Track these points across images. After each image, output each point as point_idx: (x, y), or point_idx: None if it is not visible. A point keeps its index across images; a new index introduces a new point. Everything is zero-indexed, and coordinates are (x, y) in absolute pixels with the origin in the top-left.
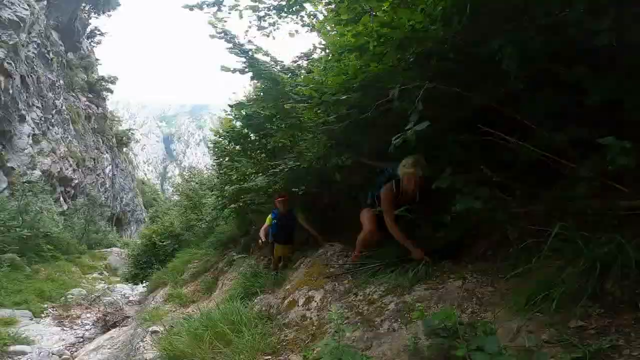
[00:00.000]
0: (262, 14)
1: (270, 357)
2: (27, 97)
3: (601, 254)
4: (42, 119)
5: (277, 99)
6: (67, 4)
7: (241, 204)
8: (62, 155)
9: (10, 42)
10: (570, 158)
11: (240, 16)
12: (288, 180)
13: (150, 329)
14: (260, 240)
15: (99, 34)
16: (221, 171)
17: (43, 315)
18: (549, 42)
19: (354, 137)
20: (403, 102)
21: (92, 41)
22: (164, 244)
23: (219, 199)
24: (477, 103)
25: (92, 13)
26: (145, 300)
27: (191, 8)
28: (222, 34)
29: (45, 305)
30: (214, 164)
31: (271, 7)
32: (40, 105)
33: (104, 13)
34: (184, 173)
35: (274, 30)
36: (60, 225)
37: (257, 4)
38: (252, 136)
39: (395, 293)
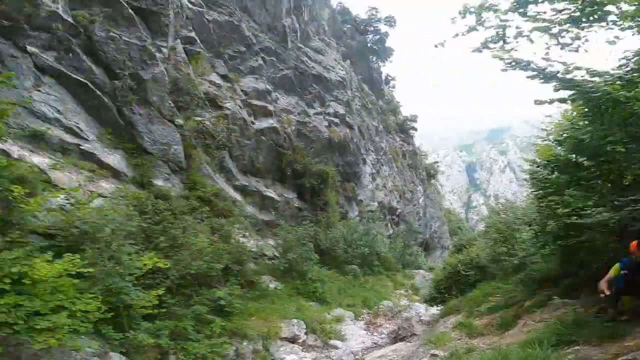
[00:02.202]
0: (556, 30)
1: None
2: (364, 143)
3: None
4: (375, 159)
5: (620, 120)
6: (360, 60)
7: (569, 242)
8: (390, 189)
9: (344, 99)
10: None
11: (531, 41)
12: None
13: (431, 351)
14: (601, 294)
15: (391, 79)
16: (542, 204)
17: (360, 318)
18: None
19: None
20: None
21: (389, 86)
22: (467, 273)
23: (539, 235)
24: None
25: (380, 62)
26: (436, 323)
27: (480, 50)
28: (514, 64)
29: (364, 311)
30: (532, 195)
31: (562, 22)
32: (373, 149)
33: (385, 60)
34: (494, 204)
35: (583, 43)
36: (387, 247)
37: (546, 24)
38: (585, 163)
39: None
